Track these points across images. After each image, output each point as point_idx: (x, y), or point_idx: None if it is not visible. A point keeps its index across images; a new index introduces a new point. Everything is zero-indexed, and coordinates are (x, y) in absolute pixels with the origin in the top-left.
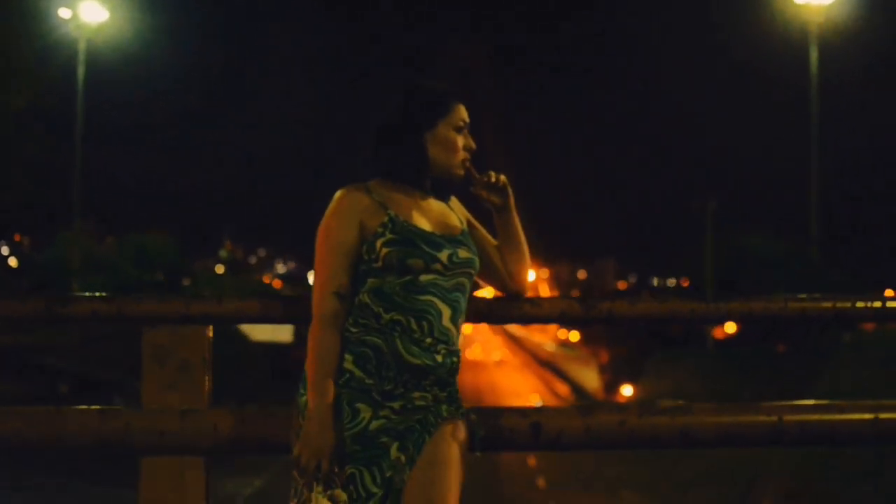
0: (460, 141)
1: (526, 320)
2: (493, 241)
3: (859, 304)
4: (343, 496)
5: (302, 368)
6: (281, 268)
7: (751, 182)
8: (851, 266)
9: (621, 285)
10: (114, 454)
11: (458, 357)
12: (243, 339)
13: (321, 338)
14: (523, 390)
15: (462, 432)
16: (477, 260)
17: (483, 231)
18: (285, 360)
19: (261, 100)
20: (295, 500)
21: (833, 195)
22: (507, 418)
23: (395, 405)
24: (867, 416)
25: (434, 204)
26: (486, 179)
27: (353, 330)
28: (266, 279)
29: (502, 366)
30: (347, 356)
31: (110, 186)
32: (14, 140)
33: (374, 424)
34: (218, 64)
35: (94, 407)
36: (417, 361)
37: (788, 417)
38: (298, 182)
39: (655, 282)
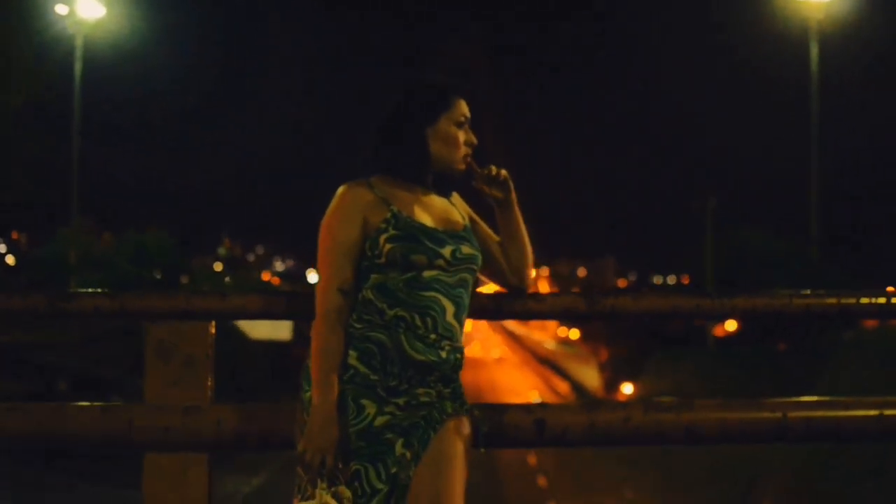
0: (461, 136)
1: (530, 316)
2: (496, 237)
3: (863, 300)
4: (347, 493)
5: (301, 366)
6: (279, 265)
7: (751, 180)
8: (851, 265)
9: (621, 283)
10: (117, 452)
11: (462, 353)
12: (242, 337)
13: (325, 334)
14: (523, 388)
15: (466, 428)
16: (479, 256)
17: (485, 227)
18: (285, 358)
19: (260, 97)
20: (299, 497)
21: (833, 194)
22: (512, 415)
23: (400, 401)
24: (872, 412)
25: (436, 200)
26: (487, 174)
27: (357, 326)
28: (265, 276)
29: (502, 363)
30: (352, 352)
31: (108, 183)
32: (11, 137)
33: (379, 420)
34: (216, 61)
35: (97, 403)
36: (422, 358)
37: (793, 414)
38: (297, 179)
39: (656, 280)
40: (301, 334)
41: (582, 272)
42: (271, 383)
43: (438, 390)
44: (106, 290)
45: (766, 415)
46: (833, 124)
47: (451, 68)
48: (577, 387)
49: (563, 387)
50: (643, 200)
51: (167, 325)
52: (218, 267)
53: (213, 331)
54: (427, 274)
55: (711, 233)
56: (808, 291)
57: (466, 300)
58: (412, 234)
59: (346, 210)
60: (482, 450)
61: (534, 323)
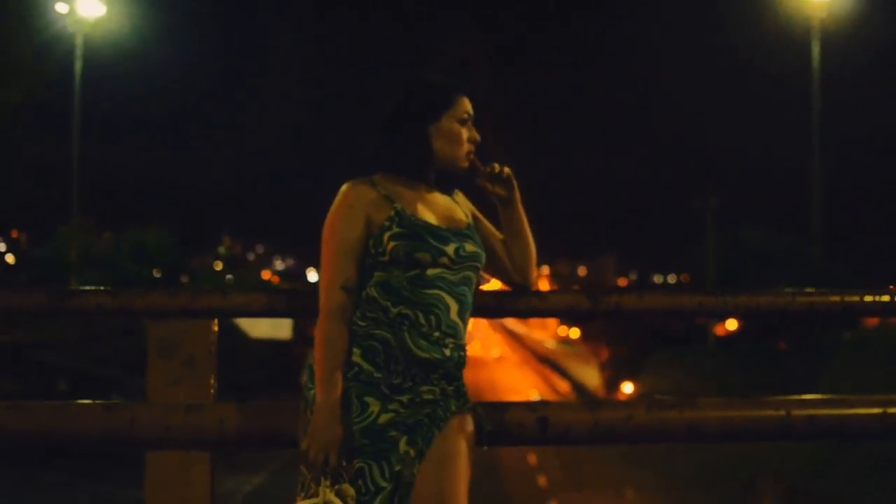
0: (464, 133)
1: (533, 314)
2: (499, 235)
3: (867, 298)
4: (351, 491)
5: (301, 364)
6: (280, 264)
7: (752, 179)
8: (852, 263)
9: (622, 282)
10: (118, 451)
11: (465, 351)
12: (242, 335)
13: (329, 331)
14: (523, 387)
15: (470, 426)
16: (483, 254)
17: (488, 224)
18: (285, 356)
19: (260, 96)
20: (302, 495)
21: (835, 192)
22: (515, 413)
23: (404, 399)
24: (875, 410)
25: (439, 197)
26: (490, 171)
27: (361, 324)
28: (265, 275)
29: (502, 362)
30: (356, 350)
31: (108, 182)
32: (11, 136)
33: (383, 418)
34: (217, 60)
35: (99, 402)
36: (426, 355)
37: (796, 412)
38: (297, 179)
39: (658, 278)
40: (301, 333)
41: (582, 271)
42: (271, 382)
43: (442, 388)
44: (108, 287)
45: (770, 413)
46: (834, 123)
47: (452, 67)
48: (578, 386)
49: (564, 386)
50: (644, 199)
51: (169, 323)
52: (218, 266)
53: (216, 329)
54: (431, 272)
55: (712, 232)
56: (812, 290)
57: (470, 298)
58: (416, 232)
59: (349, 208)
60: (485, 448)
61: (534, 322)
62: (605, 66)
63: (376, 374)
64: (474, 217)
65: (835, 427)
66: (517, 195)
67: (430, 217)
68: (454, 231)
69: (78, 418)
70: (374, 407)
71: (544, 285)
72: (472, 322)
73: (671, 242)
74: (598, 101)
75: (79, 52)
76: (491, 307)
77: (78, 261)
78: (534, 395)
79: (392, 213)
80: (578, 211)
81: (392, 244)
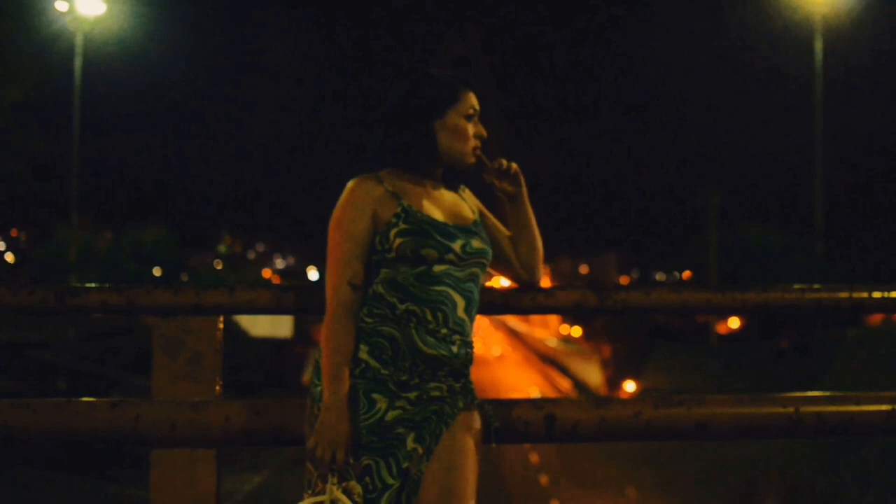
0: (470, 129)
1: (541, 310)
2: (506, 231)
3: (876, 295)
4: (358, 488)
5: (302, 363)
6: (280, 263)
7: (754, 176)
8: (854, 260)
9: (623, 280)
10: (123, 449)
11: (472, 348)
12: (244, 334)
13: (336, 328)
14: (524, 385)
15: (478, 424)
16: (490, 250)
17: (495, 220)
18: (286, 354)
19: (260, 93)
20: (309, 493)
21: (837, 189)
22: (522, 410)
23: (411, 396)
24: (884, 407)
25: (446, 194)
26: (497, 167)
27: (368, 320)
28: (266, 274)
29: (503, 360)
30: (363, 346)
31: (108, 180)
32: (12, 133)
33: (391, 415)
34: (216, 57)
35: (104, 399)
36: (433, 352)
37: (805, 409)
38: (298, 177)
39: (659, 276)
40: (302, 332)
41: (584, 269)
42: (272, 380)
43: (449, 385)
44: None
45: (779, 410)
46: (837, 120)
47: (452, 64)
48: (580, 384)
49: (566, 384)
50: (645, 197)
51: (175, 320)
52: (219, 265)
53: (221, 326)
54: (437, 268)
55: (714, 229)
56: (820, 286)
57: (476, 295)
58: (422, 228)
59: (355, 204)
60: (493, 444)
61: (535, 320)
62: (606, 63)
63: (383, 371)
64: (481, 213)
65: (843, 424)
66: (524, 191)
67: (436, 214)
68: (461, 227)
69: (83, 416)
70: (382, 404)
71: (546, 284)
72: None
73: (673, 240)
74: (600, 97)
75: (78, 49)
76: (498, 304)
77: (77, 259)
78: (535, 394)
79: (398, 209)
80: (579, 209)
81: (399, 241)
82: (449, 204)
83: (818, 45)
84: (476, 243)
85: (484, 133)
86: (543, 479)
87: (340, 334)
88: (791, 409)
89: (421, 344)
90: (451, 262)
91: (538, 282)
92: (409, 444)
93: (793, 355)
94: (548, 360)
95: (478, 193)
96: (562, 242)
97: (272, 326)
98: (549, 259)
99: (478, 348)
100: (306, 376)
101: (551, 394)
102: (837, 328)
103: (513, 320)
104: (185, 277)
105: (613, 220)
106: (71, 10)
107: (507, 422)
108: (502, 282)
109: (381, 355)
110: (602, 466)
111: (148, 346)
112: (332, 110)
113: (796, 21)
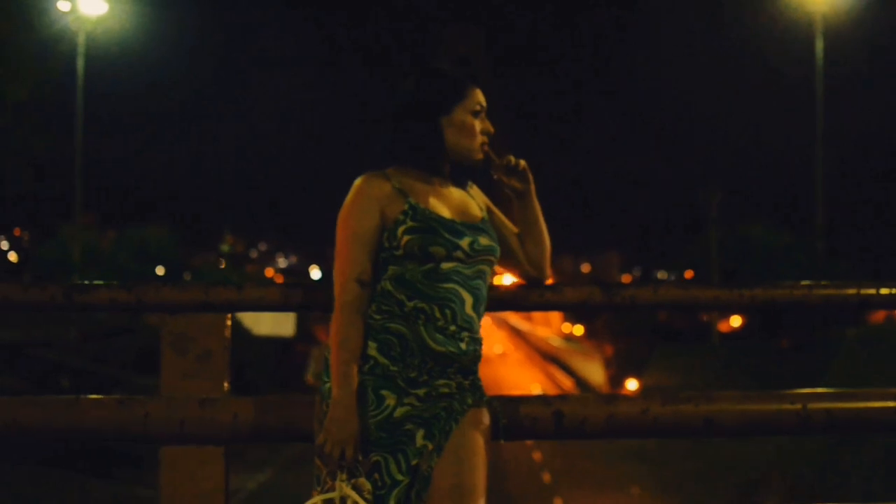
0: (478, 125)
1: (548, 307)
2: (514, 228)
3: (884, 291)
4: (367, 485)
5: (305, 361)
6: (282, 262)
7: (755, 174)
8: (855, 258)
9: (626, 279)
10: (124, 449)
11: (481, 345)
12: (246, 333)
13: (344, 325)
14: (526, 383)
15: (486, 420)
16: (497, 247)
17: (503, 217)
18: (288, 353)
19: (262, 93)
20: (318, 490)
21: (838, 187)
22: (530, 407)
23: (420, 392)
24: (892, 403)
25: (454, 190)
26: (506, 163)
27: (377, 317)
28: (269, 273)
29: (505, 359)
30: (371, 343)
31: (111, 180)
32: (15, 133)
33: (400, 411)
34: (219, 57)
35: (112, 396)
36: (442, 349)
37: (813, 405)
38: (300, 176)
39: (661, 275)
40: (304, 330)
41: (586, 268)
42: (274, 379)
43: (458, 382)
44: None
45: (787, 406)
46: (838, 118)
47: (453, 64)
48: (582, 383)
49: (568, 383)
50: (646, 195)
51: (184, 317)
52: (222, 265)
53: (230, 323)
54: (445, 266)
55: (715, 228)
56: (827, 282)
57: (484, 292)
58: (430, 226)
59: (363, 201)
60: (501, 441)
61: (537, 318)
62: (607, 61)
63: (392, 368)
64: (489, 210)
65: (851, 420)
66: (532, 188)
67: (444, 211)
68: (468, 225)
69: (91, 413)
70: (391, 400)
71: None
72: None
73: (675, 238)
74: (601, 94)
75: (81, 49)
76: (506, 301)
77: (80, 259)
78: (537, 392)
79: (406, 206)
80: (580, 208)
81: (406, 238)
82: (457, 201)
83: (819, 45)
84: (484, 240)
85: (491, 129)
86: (546, 478)
87: (349, 331)
88: (799, 406)
89: (430, 341)
90: (458, 260)
91: (546, 279)
92: (419, 440)
93: (794, 354)
94: (550, 358)
95: (485, 190)
96: (563, 241)
97: (275, 325)
98: (550, 258)
99: None
100: (309, 375)
101: (553, 392)
102: (838, 327)
103: (515, 318)
104: (187, 277)
105: (615, 219)
106: (73, 10)
107: (515, 419)
108: (504, 280)
109: (390, 352)
110: (604, 465)
111: (150, 345)
112: (334, 109)
113: (797, 20)
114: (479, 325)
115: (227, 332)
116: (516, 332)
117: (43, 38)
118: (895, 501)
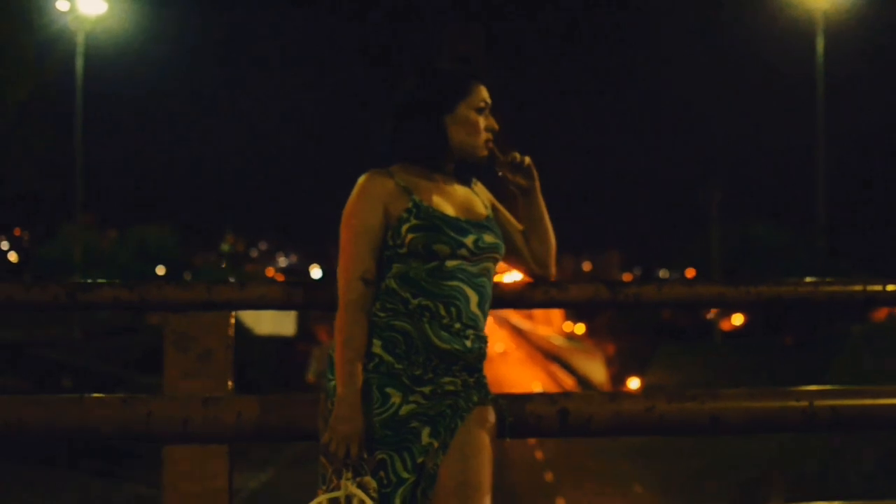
0: (482, 122)
1: (553, 305)
2: (519, 225)
3: (890, 288)
4: (373, 483)
5: (306, 361)
6: (283, 261)
7: (756, 172)
8: (857, 256)
9: (626, 277)
10: (135, 445)
11: (486, 343)
12: (247, 332)
13: (348, 323)
14: (527, 382)
15: (492, 418)
16: (502, 245)
17: (508, 214)
18: (289, 353)
19: (262, 92)
20: (324, 488)
21: (839, 185)
22: (535, 404)
23: (426, 390)
24: None
25: (458, 188)
26: (511, 160)
27: (381, 315)
28: (269, 272)
29: (506, 357)
30: (376, 341)
31: (111, 180)
32: (14, 133)
33: (405, 409)
34: (218, 57)
35: (116, 395)
36: (447, 347)
37: (819, 402)
38: (300, 175)
39: (662, 273)
40: (305, 330)
41: (587, 266)
42: (276, 378)
43: (464, 379)
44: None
45: (793, 403)
46: (839, 116)
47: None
48: (583, 381)
49: (569, 381)
50: (647, 194)
51: (186, 315)
52: (223, 263)
53: (233, 321)
54: (450, 263)
55: (717, 226)
56: (832, 279)
57: (489, 289)
58: (434, 223)
59: (367, 199)
60: (507, 439)
61: (539, 317)
62: (608, 58)
63: (397, 366)
64: (493, 207)
65: (856, 418)
66: (538, 185)
67: (448, 208)
68: (473, 222)
69: (95, 412)
70: (396, 398)
71: None
72: None
73: (675, 237)
74: (602, 94)
75: (80, 49)
76: (512, 298)
77: (81, 259)
78: (539, 391)
79: (410, 204)
80: (581, 206)
81: (410, 236)
82: (461, 198)
83: (820, 43)
84: (488, 238)
85: (496, 126)
86: (549, 476)
87: (353, 329)
88: (805, 403)
89: (435, 339)
90: (463, 258)
91: (551, 276)
92: (425, 438)
93: (797, 351)
94: (551, 356)
95: (490, 187)
96: (564, 240)
97: (275, 325)
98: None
99: None
100: (310, 375)
101: (555, 391)
102: (842, 324)
103: (516, 317)
104: (188, 276)
105: (615, 219)
106: (72, 10)
107: (521, 416)
108: (506, 278)
109: (395, 350)
110: (607, 463)
111: (153, 344)
112: (334, 109)
113: (798, 18)
114: (485, 323)
115: (231, 331)
116: (517, 331)
117: (42, 37)
118: (895, 501)
